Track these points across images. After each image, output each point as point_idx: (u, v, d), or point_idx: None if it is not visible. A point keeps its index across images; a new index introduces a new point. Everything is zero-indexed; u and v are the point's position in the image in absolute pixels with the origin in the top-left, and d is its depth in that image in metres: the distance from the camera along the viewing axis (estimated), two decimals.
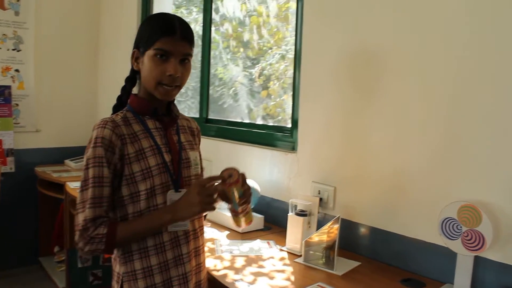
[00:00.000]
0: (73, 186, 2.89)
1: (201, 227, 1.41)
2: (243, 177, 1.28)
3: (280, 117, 2.86)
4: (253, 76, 3.17)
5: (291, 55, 2.46)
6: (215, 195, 1.23)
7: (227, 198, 1.30)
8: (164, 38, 1.24)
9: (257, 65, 3.09)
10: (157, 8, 3.40)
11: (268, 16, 2.59)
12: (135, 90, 1.39)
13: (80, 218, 1.21)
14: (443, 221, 1.48)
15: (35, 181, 3.53)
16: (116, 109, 1.37)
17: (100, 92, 3.99)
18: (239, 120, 2.79)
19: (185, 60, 1.29)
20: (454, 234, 1.45)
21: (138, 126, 1.30)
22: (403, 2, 1.70)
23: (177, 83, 1.28)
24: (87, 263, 3.10)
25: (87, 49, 3.94)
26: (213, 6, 2.71)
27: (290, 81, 2.44)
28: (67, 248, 3.08)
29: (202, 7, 2.81)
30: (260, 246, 1.90)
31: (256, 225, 2.11)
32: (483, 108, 1.48)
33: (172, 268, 1.30)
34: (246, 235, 2.02)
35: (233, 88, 3.09)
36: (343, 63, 1.94)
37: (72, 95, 3.87)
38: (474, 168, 1.51)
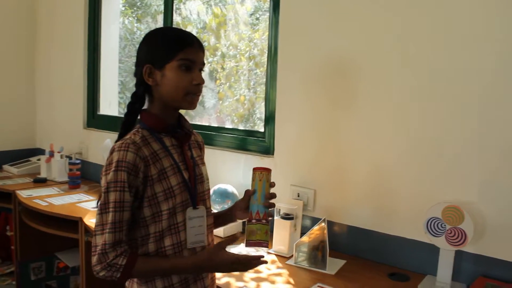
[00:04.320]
0: (26, 195, 2.72)
1: (213, 239, 1.44)
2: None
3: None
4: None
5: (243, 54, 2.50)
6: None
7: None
8: (186, 49, 1.27)
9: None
10: (106, 4, 3.28)
11: (236, 21, 2.62)
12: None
13: (98, 241, 1.20)
14: (428, 220, 1.64)
15: None
16: (125, 127, 1.34)
17: (38, 92, 3.77)
18: (207, 124, 2.81)
19: (201, 69, 1.33)
20: (438, 232, 1.62)
21: (157, 145, 1.29)
22: (378, 14, 1.83)
23: (200, 92, 1.33)
24: (40, 275, 2.96)
25: (24, 48, 3.71)
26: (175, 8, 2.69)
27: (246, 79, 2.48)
28: (17, 260, 2.90)
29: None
30: (247, 250, 1.95)
31: (236, 228, 2.16)
32: (461, 116, 1.66)
33: (191, 284, 1.33)
34: None
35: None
36: (316, 67, 2.04)
37: (9, 96, 3.62)
38: (449, 171, 1.69)
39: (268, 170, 1.37)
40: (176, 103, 1.31)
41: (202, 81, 1.31)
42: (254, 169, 1.37)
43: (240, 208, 1.42)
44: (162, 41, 1.30)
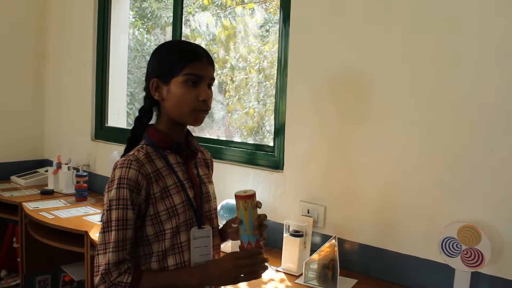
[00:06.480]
0: (32, 208, 2.70)
1: (219, 254, 1.40)
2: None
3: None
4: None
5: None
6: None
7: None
8: (193, 63, 1.23)
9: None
10: (115, 14, 3.27)
11: (246, 33, 2.60)
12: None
13: (101, 261, 1.17)
14: (443, 240, 1.58)
15: None
16: (131, 142, 1.31)
17: (47, 103, 3.76)
18: (215, 137, 2.77)
19: (210, 84, 1.29)
20: (454, 252, 1.56)
21: (161, 163, 1.26)
22: (389, 28, 1.79)
23: (208, 108, 1.28)
24: None
25: (33, 59, 3.69)
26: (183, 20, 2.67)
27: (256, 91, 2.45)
28: (23, 273, 2.87)
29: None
30: None
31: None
32: (476, 130, 1.61)
33: None
34: None
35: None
36: (328, 80, 2.00)
37: (17, 106, 3.61)
38: (463, 188, 1.63)
39: (250, 197, 1.23)
40: (181, 119, 1.27)
41: (209, 97, 1.25)
42: (237, 197, 1.23)
43: (232, 230, 1.35)
44: (168, 54, 1.27)
